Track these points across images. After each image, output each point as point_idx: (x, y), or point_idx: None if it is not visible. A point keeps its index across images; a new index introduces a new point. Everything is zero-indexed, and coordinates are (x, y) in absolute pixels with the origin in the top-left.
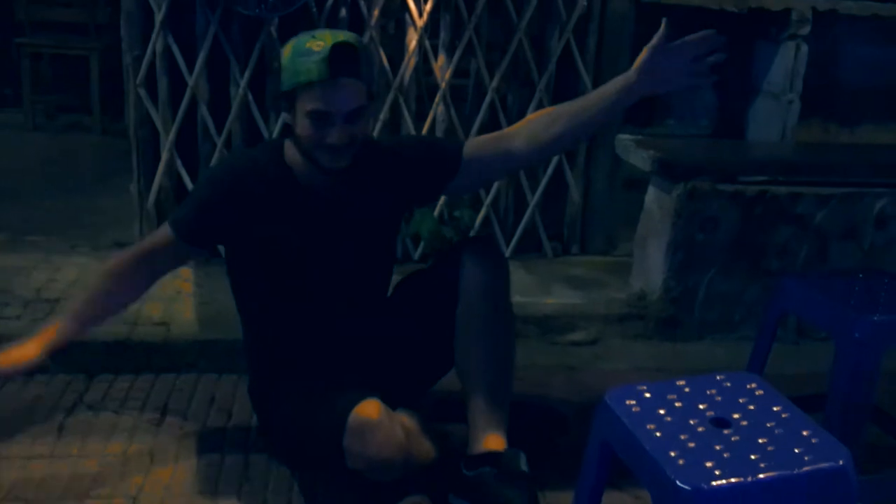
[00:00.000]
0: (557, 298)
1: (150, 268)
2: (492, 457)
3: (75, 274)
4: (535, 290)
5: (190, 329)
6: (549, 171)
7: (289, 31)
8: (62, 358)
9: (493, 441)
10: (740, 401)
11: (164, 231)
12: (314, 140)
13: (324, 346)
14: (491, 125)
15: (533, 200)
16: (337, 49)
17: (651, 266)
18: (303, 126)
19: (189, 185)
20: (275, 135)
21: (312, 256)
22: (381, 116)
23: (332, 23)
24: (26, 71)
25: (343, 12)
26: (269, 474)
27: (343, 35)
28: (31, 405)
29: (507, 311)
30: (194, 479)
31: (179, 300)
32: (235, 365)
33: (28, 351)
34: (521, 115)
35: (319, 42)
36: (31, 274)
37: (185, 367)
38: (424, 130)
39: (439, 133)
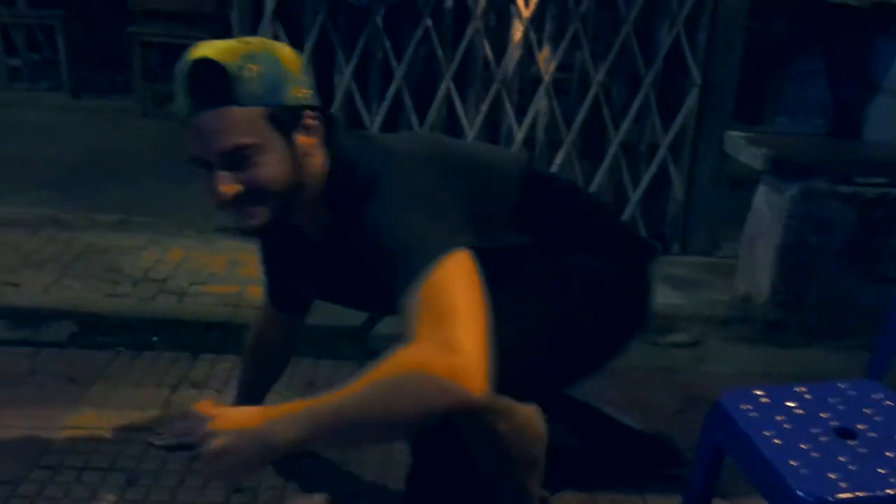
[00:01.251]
0: (658, 298)
1: (269, 343)
2: None
3: (181, 255)
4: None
5: None
6: (653, 167)
7: (395, 21)
8: (170, 336)
9: None
10: (866, 411)
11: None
12: (209, 195)
13: None
14: (594, 120)
15: (634, 197)
16: (194, 71)
17: (758, 268)
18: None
19: None
20: (377, 126)
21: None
22: (483, 108)
23: (438, 14)
24: (137, 59)
25: (449, 2)
26: (366, 462)
27: (209, 47)
28: (139, 380)
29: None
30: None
31: None
32: (332, 350)
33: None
34: (626, 109)
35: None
36: (140, 254)
37: None
38: (525, 124)
39: (540, 128)
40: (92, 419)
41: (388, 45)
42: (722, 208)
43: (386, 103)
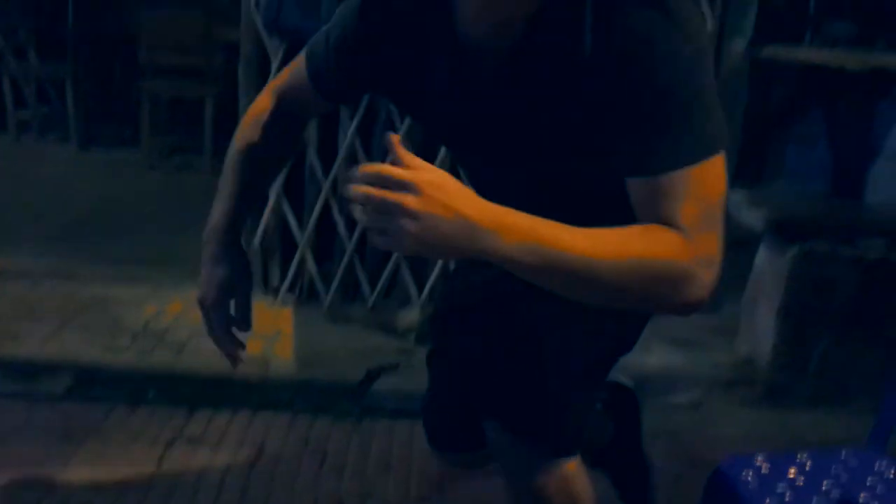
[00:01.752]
0: (660, 358)
1: (293, 114)
2: None
3: (182, 307)
4: (635, 349)
5: (288, 368)
6: None
7: None
8: (166, 390)
9: None
10: (868, 481)
11: (300, 67)
12: None
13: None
14: None
15: None
16: None
17: (760, 330)
18: None
19: (294, 226)
20: None
21: (455, 145)
22: None
23: None
24: (145, 113)
25: None
26: None
27: None
28: (134, 436)
29: None
30: None
31: (279, 339)
32: (331, 406)
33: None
34: None
35: None
36: (141, 306)
37: (282, 405)
38: None
39: None
40: (85, 475)
41: None
42: (724, 268)
43: (389, 160)
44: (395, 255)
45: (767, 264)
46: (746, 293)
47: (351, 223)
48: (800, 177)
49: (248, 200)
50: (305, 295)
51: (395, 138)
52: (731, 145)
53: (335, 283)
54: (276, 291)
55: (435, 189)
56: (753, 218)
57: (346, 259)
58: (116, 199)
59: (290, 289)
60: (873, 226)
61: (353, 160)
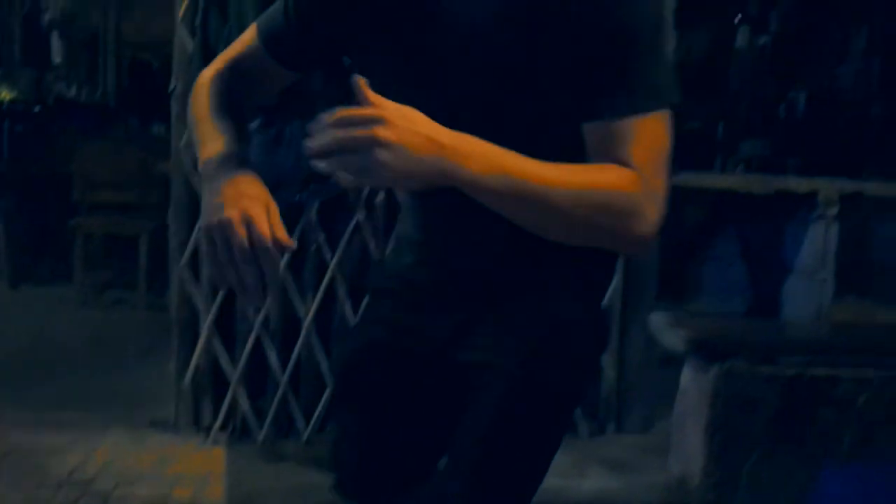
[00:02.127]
0: (594, 482)
1: (248, 82)
2: None
3: (109, 454)
4: (570, 473)
5: None
6: None
7: (328, 215)
8: None
9: None
10: None
11: (253, 37)
12: None
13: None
14: None
15: None
16: None
17: (690, 449)
18: None
19: (226, 363)
20: (310, 319)
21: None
22: None
23: (370, 208)
24: (79, 250)
25: (380, 197)
26: None
27: None
28: None
29: None
30: None
31: (210, 481)
32: None
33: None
34: None
35: None
36: (66, 454)
37: None
38: None
39: None
40: None
41: (322, 237)
42: (654, 386)
43: (320, 294)
44: (329, 387)
45: (692, 383)
46: (675, 412)
47: (284, 356)
48: (718, 294)
49: (239, 139)
50: (238, 432)
51: (361, 81)
52: (652, 265)
53: (269, 419)
54: (207, 431)
55: (403, 119)
56: (674, 339)
57: (279, 393)
58: (46, 338)
59: (223, 427)
60: (789, 343)
61: (283, 294)
